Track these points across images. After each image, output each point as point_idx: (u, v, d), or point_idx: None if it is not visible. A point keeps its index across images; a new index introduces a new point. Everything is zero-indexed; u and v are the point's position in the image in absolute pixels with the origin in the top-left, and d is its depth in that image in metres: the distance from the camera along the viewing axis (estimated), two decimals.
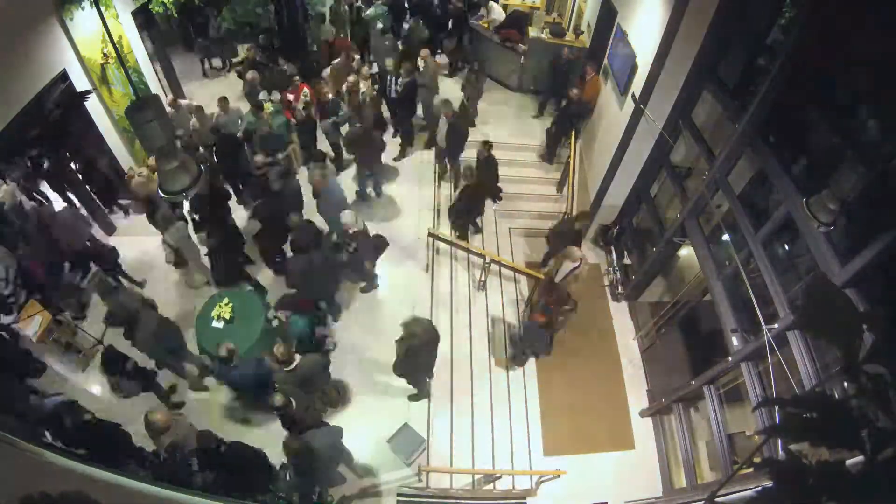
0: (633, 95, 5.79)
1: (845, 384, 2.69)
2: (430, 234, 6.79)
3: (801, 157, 3.88)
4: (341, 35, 9.49)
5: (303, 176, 7.08)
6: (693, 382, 4.87)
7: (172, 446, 4.09)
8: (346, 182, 7.51)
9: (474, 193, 6.66)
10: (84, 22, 6.20)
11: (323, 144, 7.65)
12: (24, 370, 5.14)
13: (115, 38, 6.71)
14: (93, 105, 6.64)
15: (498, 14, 9.57)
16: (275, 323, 5.32)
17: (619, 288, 6.96)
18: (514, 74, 9.73)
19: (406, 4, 10.22)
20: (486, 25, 9.80)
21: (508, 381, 6.06)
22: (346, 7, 9.70)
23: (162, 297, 6.49)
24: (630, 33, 6.06)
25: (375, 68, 8.88)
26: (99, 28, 6.25)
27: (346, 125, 7.28)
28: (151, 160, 7.17)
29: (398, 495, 5.10)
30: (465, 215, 7.03)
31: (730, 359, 4.26)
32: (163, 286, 6.64)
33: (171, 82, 8.98)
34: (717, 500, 1.20)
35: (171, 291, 6.60)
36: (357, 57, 8.70)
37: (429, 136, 8.29)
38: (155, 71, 8.12)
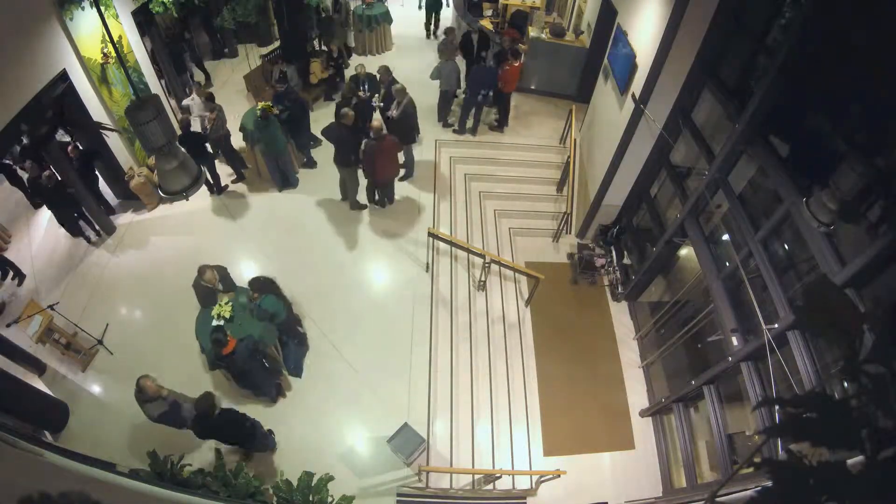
0: (633, 95, 5.79)
1: (845, 384, 2.69)
2: (430, 234, 6.79)
3: (800, 157, 3.88)
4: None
5: None
6: (693, 382, 4.87)
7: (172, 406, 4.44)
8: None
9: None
10: (84, 22, 6.20)
11: None
12: None
13: (115, 38, 6.71)
14: (93, 105, 6.65)
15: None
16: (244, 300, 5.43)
17: (619, 288, 6.96)
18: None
19: None
20: (489, 26, 9.83)
21: (509, 380, 6.06)
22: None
23: (165, 295, 6.53)
24: (630, 33, 6.05)
25: None
26: (99, 28, 6.26)
27: None
28: (151, 160, 7.23)
29: (398, 495, 5.11)
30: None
31: (730, 359, 4.26)
32: (165, 286, 6.64)
33: (170, 81, 9.00)
34: (717, 500, 1.20)
35: (174, 290, 6.60)
36: None
37: None
38: (155, 71, 8.13)
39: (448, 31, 8.84)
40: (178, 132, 6.89)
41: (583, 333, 6.63)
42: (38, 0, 5.61)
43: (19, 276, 6.60)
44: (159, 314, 6.40)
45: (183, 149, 7.21)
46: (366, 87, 8.10)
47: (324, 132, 6.98)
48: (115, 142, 7.15)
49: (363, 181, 7.51)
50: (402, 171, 7.79)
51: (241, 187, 8.05)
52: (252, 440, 4.89)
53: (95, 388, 5.76)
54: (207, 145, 7.27)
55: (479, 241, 7.50)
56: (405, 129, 7.50)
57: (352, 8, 10.78)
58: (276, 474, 4.16)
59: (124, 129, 7.11)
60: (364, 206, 7.72)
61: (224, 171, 8.00)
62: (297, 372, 5.86)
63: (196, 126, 7.61)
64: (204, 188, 7.71)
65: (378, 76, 7.96)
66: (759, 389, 3.92)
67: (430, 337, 6.31)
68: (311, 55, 9.36)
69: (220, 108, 7.45)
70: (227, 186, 7.98)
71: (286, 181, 7.95)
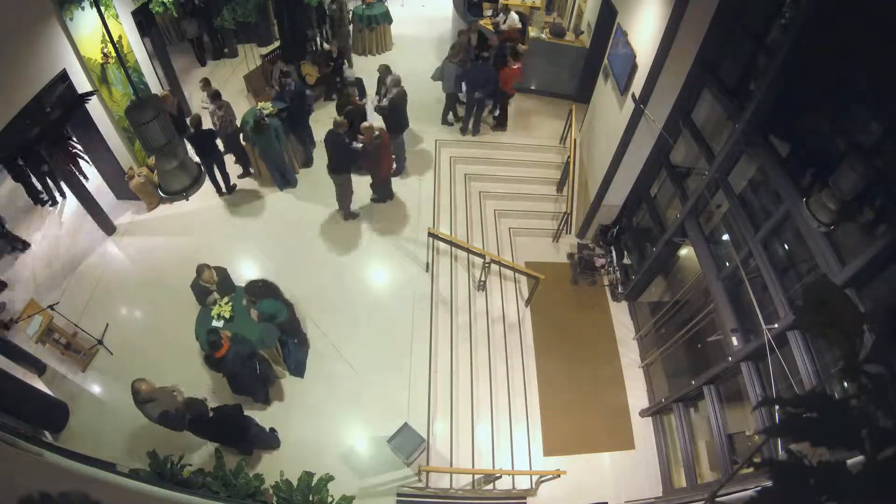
0: (633, 95, 5.79)
1: (845, 384, 2.69)
2: (430, 234, 6.80)
3: (800, 157, 3.88)
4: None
5: None
6: (693, 382, 4.87)
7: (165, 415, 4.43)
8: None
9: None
10: (84, 22, 6.20)
11: None
12: None
13: (115, 38, 6.71)
14: (93, 105, 6.64)
15: (512, 20, 9.61)
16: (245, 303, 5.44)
17: (619, 288, 6.96)
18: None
19: None
20: (489, 26, 9.82)
21: (509, 380, 6.06)
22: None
23: (165, 294, 6.53)
24: (630, 33, 6.05)
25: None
26: (99, 28, 6.26)
27: None
28: (151, 160, 7.23)
29: (398, 495, 5.11)
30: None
31: (730, 359, 4.26)
32: (165, 285, 6.64)
33: (170, 81, 9.00)
34: (717, 500, 1.20)
35: (174, 290, 6.59)
36: None
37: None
38: (154, 70, 8.13)
39: (461, 32, 8.84)
40: (191, 129, 6.88)
41: (583, 333, 6.63)
42: (38, 0, 5.61)
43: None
44: (159, 314, 6.40)
45: (194, 147, 7.25)
46: (355, 91, 8.12)
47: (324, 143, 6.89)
48: (115, 142, 7.15)
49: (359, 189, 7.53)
50: (393, 166, 7.85)
51: (241, 186, 8.05)
52: (243, 442, 4.92)
53: (95, 388, 5.76)
54: (218, 142, 7.27)
55: (479, 241, 7.50)
56: (393, 119, 7.61)
57: (351, 8, 10.77)
58: (277, 474, 4.16)
59: (124, 129, 7.11)
60: (357, 216, 7.70)
61: (233, 171, 7.98)
62: (300, 371, 5.86)
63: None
64: (211, 189, 7.70)
65: (378, 75, 7.98)
66: (759, 389, 3.92)
67: (430, 337, 6.31)
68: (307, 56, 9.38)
69: (228, 105, 7.46)
70: (235, 186, 7.97)
71: (286, 181, 7.95)
